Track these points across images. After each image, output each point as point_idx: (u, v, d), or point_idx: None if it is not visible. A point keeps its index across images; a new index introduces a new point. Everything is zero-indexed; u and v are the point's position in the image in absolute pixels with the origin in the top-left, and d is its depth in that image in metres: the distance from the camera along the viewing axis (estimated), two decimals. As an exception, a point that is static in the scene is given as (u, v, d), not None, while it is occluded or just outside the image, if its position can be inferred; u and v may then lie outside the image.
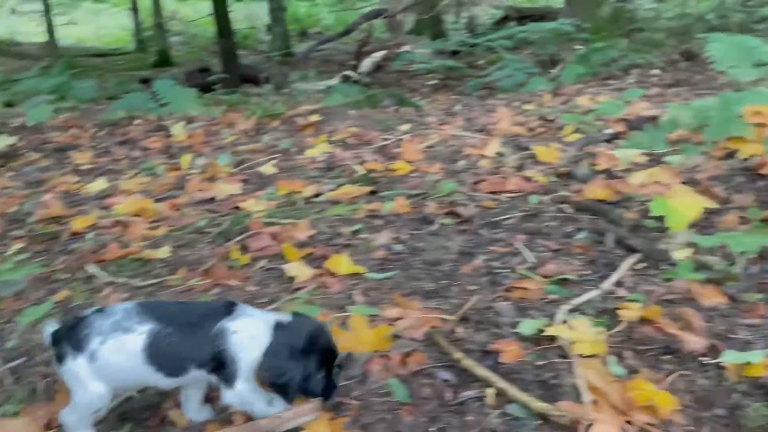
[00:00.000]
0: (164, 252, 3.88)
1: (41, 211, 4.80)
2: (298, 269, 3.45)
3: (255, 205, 4.59)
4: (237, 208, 4.64)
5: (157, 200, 4.93)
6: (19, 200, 5.24)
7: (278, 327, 2.18)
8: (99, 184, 5.50)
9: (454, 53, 13.21)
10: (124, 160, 6.48)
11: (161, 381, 2.18)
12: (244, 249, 3.84)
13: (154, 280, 3.56)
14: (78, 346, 2.06)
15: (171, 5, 26.16)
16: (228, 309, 2.20)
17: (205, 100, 9.62)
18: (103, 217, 4.63)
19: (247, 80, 12.93)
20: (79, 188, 5.52)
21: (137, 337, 2.06)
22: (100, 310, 2.18)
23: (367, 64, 13.73)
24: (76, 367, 2.09)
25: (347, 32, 15.30)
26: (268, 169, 5.56)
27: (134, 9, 22.33)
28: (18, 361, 2.86)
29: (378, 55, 13.85)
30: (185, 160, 6.02)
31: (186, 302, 2.16)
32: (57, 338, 2.14)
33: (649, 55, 10.08)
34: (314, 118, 7.29)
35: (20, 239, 4.37)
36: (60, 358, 2.12)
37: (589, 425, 2.16)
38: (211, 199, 4.93)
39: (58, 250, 4.14)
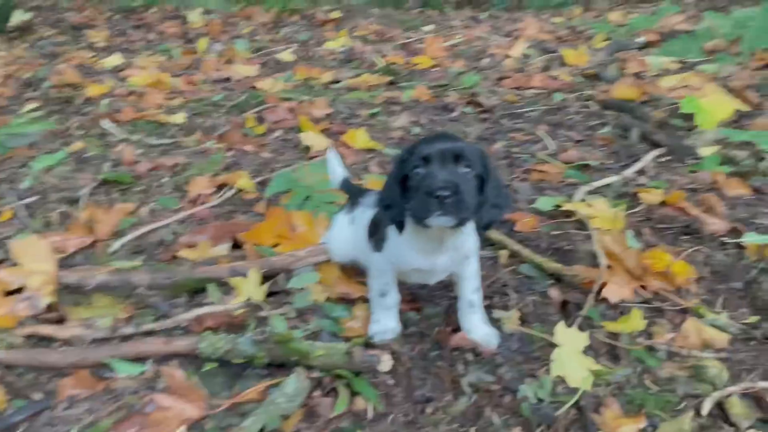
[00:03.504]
0: (180, 118, 3.81)
1: (56, 77, 4.71)
2: (314, 139, 3.39)
3: (272, 85, 4.50)
4: (253, 87, 4.54)
5: (173, 76, 4.83)
6: (34, 68, 5.13)
7: None
8: (114, 60, 5.38)
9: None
10: (139, 42, 6.33)
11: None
12: (260, 120, 3.78)
13: (169, 140, 3.51)
14: (350, 208, 2.22)
15: None
16: None
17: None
18: (118, 87, 4.55)
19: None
20: (94, 62, 5.41)
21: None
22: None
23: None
24: (340, 221, 2.25)
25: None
26: (285, 56, 5.42)
27: None
28: (32, 199, 2.86)
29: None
30: (202, 43, 5.88)
31: None
32: (344, 187, 2.39)
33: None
34: (335, 14, 7.07)
35: (34, 100, 4.31)
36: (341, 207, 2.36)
37: (602, 285, 2.14)
38: (227, 79, 4.83)
39: (72, 112, 4.08)
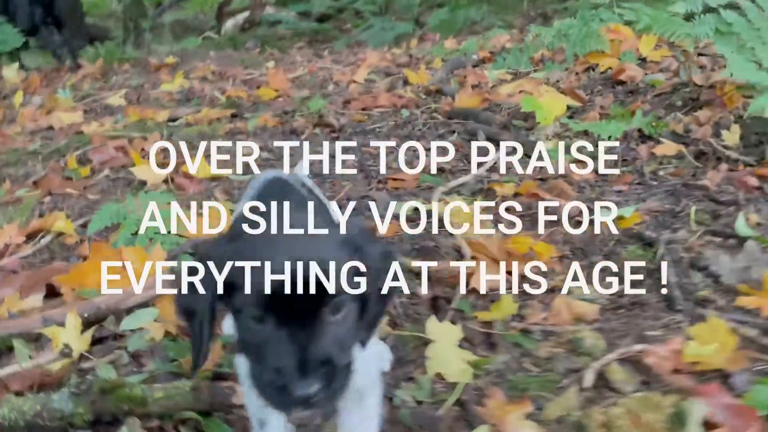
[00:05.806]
0: (-16, 170, 3.32)
1: None
2: (148, 173, 3.06)
3: (99, 128, 4.09)
4: (79, 133, 4.11)
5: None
6: None
7: None
8: None
9: (320, 20, 12.86)
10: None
11: None
12: (85, 162, 3.38)
13: (-30, 195, 3.02)
14: None
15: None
16: None
17: (44, 54, 8.66)
18: None
19: (95, 38, 11.82)
20: None
21: None
22: None
23: (230, 25, 13.08)
24: None
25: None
26: (115, 101, 5.01)
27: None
28: None
29: (241, 17, 13.22)
30: (18, 97, 5.31)
31: None
32: None
33: (509, 16, 10.37)
34: (170, 60, 6.75)
35: None
36: None
37: (469, 276, 2.02)
38: (49, 128, 4.35)
39: None
